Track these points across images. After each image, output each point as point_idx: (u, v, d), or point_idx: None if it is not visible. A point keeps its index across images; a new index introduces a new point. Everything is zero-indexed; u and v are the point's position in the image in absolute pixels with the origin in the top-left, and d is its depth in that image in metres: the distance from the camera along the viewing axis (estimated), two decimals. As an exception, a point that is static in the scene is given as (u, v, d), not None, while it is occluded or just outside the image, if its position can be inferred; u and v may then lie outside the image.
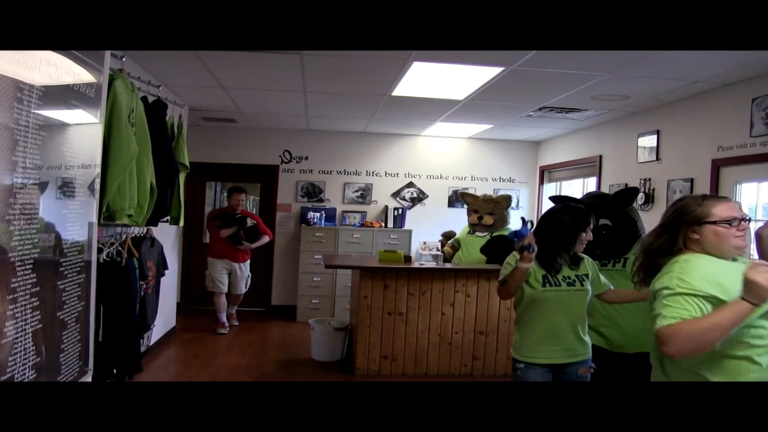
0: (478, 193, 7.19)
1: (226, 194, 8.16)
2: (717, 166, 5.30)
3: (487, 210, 6.30)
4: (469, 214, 6.53)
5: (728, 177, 5.23)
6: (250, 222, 7.53)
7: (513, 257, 3.18)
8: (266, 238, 7.74)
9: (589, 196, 4.03)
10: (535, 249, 3.03)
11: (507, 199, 6.43)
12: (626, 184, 6.70)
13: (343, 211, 9.00)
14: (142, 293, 4.67)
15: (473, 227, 6.46)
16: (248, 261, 7.79)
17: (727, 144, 5.18)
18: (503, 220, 6.29)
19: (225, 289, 7.59)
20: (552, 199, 3.93)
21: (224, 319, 7.63)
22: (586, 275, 3.22)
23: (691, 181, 5.63)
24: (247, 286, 7.86)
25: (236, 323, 7.90)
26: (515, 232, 3.35)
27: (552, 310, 3.14)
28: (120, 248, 4.30)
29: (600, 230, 3.53)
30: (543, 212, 3.40)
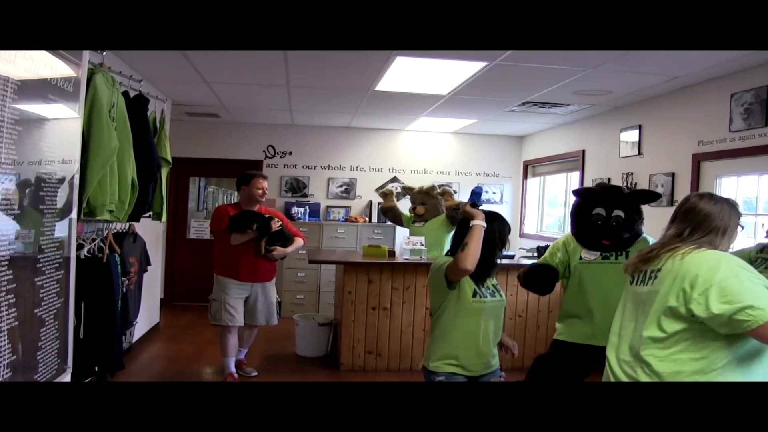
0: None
1: (238, 183, 5.42)
2: (698, 160, 5.34)
3: (419, 201, 6.42)
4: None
5: (709, 171, 5.27)
6: (276, 224, 5.25)
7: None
8: (300, 242, 5.54)
9: (602, 186, 4.01)
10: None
11: (431, 188, 6.58)
12: (609, 179, 6.73)
13: (328, 206, 8.99)
14: (125, 289, 4.64)
15: (413, 217, 6.65)
16: (274, 279, 5.56)
17: (708, 139, 5.21)
18: (435, 208, 6.38)
19: (240, 321, 5.27)
20: (575, 192, 3.94)
21: (232, 368, 5.37)
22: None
23: (673, 175, 5.67)
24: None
25: (254, 373, 5.62)
26: (473, 193, 3.29)
27: (479, 321, 3.04)
28: (101, 244, 4.27)
29: (611, 221, 3.51)
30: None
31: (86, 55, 3.28)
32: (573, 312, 3.60)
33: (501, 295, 3.12)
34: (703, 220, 2.25)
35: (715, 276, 2.04)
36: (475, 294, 3.02)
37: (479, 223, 3.00)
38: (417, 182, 9.07)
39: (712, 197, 2.31)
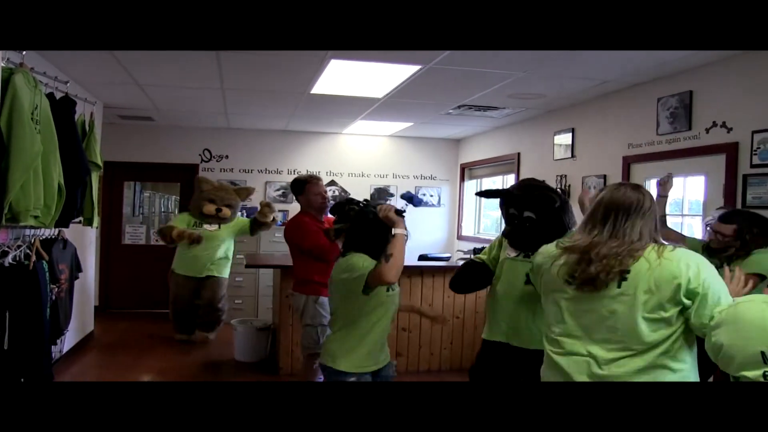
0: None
1: (294, 191, 4.79)
2: (628, 162, 5.49)
3: (226, 201, 6.43)
4: (202, 203, 6.46)
5: (638, 173, 5.42)
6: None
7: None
8: None
9: (517, 185, 3.74)
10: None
11: (248, 192, 6.71)
12: (544, 181, 6.84)
13: (266, 211, 8.89)
14: (54, 297, 4.49)
15: (206, 218, 6.55)
16: None
17: (637, 142, 5.37)
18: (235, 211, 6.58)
19: None
20: (480, 194, 3.85)
21: None
22: None
23: (604, 177, 5.81)
24: None
25: None
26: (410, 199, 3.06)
27: (387, 314, 3.07)
28: (28, 251, 4.13)
29: (524, 222, 3.28)
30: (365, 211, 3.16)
31: None
32: (491, 308, 3.44)
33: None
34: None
35: None
36: (387, 288, 3.01)
37: (401, 232, 2.90)
38: (354, 186, 9.16)
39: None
